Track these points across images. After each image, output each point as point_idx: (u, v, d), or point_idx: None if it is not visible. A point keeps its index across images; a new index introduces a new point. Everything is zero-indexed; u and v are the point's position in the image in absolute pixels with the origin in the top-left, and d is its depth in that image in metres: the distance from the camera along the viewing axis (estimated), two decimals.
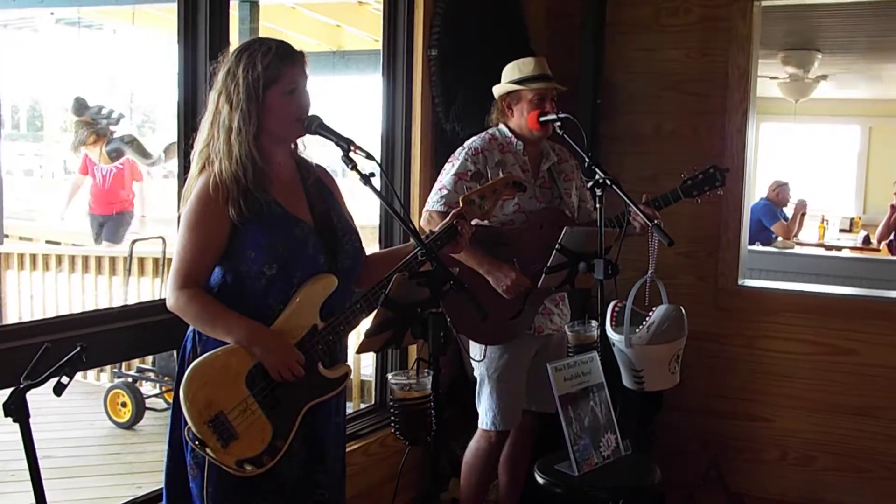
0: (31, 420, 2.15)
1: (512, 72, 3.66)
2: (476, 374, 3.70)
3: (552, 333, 3.69)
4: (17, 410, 2.10)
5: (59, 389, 2.17)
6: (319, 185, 2.67)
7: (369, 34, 7.57)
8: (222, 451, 2.34)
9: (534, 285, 3.48)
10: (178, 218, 2.56)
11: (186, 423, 2.35)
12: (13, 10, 8.04)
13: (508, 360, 3.61)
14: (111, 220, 8.19)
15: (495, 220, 3.58)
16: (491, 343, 3.59)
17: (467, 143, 3.66)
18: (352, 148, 2.51)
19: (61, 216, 8.68)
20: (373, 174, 2.52)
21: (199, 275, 2.48)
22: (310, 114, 2.54)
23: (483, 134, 3.69)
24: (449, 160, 3.67)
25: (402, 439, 2.53)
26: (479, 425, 3.69)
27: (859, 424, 4.42)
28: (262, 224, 2.46)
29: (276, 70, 2.47)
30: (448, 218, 2.65)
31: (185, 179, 2.59)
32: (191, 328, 2.56)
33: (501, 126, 3.69)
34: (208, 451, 2.33)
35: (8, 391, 2.24)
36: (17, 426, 2.16)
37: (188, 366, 2.44)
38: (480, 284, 3.42)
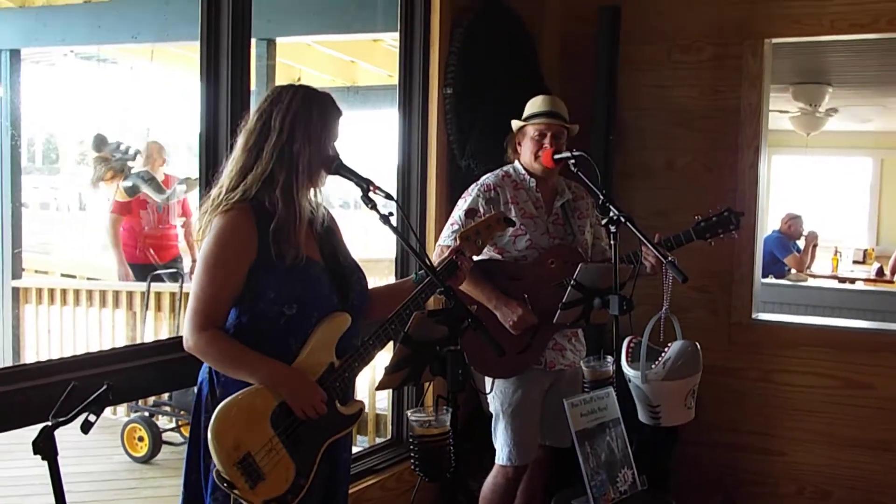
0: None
1: (525, 109, 3.73)
2: (491, 409, 3.72)
3: (564, 368, 3.71)
4: (46, 448, 2.13)
5: (86, 427, 2.20)
6: (324, 224, 2.69)
7: (383, 70, 7.67)
8: (250, 491, 2.35)
9: (544, 321, 3.52)
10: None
11: (214, 466, 2.36)
12: (33, 48, 8.14)
13: (522, 396, 3.63)
14: (167, 269, 7.04)
15: (508, 256, 3.63)
16: (499, 377, 3.63)
17: (481, 180, 3.72)
18: (371, 188, 2.56)
19: (123, 271, 7.14)
20: (391, 213, 2.57)
21: (218, 315, 2.49)
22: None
23: (497, 171, 3.75)
24: (462, 196, 3.72)
25: (423, 476, 2.56)
26: (496, 461, 3.71)
27: (875, 458, 4.41)
28: (283, 265, 2.48)
29: (336, 125, 2.57)
30: (447, 254, 2.72)
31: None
32: (204, 369, 2.57)
33: (516, 163, 3.75)
34: (236, 492, 2.34)
35: (31, 428, 2.28)
36: (36, 461, 2.18)
37: (209, 408, 2.46)
38: (488, 319, 3.46)
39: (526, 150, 3.69)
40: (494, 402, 3.67)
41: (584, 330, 3.81)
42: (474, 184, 3.72)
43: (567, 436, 3.13)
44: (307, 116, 2.50)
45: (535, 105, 3.70)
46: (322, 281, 2.57)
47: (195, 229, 2.58)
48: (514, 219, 3.47)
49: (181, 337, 2.52)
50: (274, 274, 2.47)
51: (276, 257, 2.46)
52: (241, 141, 2.55)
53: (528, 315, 3.51)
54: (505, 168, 3.76)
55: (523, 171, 3.72)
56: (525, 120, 3.68)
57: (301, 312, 2.50)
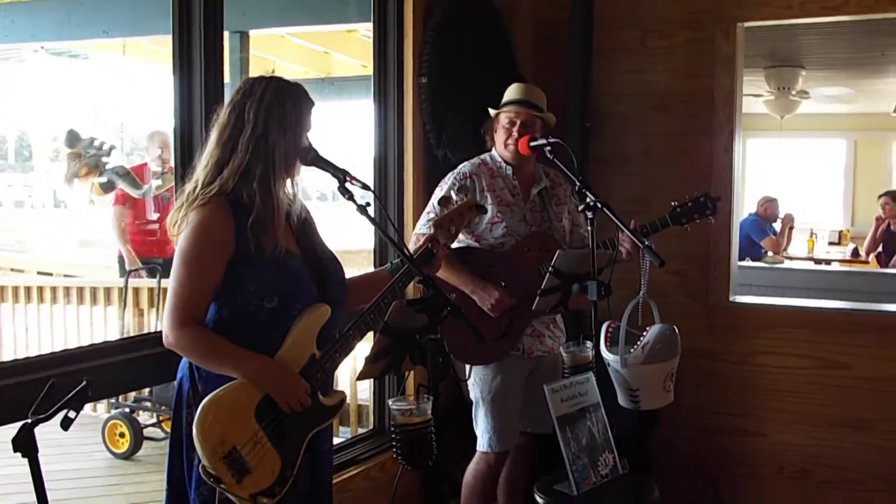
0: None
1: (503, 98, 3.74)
2: (471, 397, 3.74)
3: (543, 355, 3.73)
4: (26, 445, 2.12)
5: (66, 424, 2.19)
6: (299, 216, 2.68)
7: (358, 60, 7.65)
8: (237, 485, 2.34)
9: (521, 307, 3.54)
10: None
11: (199, 461, 2.35)
12: (2, 44, 8.07)
13: (501, 382, 3.65)
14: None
15: (485, 244, 3.65)
16: (475, 363, 3.66)
17: (458, 168, 3.73)
18: (347, 179, 2.56)
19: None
20: (368, 203, 2.58)
21: (198, 311, 2.47)
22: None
23: (475, 159, 3.76)
24: (439, 185, 3.74)
25: (405, 464, 2.57)
26: (478, 448, 3.73)
27: (853, 437, 4.45)
28: (262, 258, 2.47)
29: (309, 116, 2.57)
30: (422, 242, 2.76)
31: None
32: (183, 364, 2.56)
33: (493, 151, 3.76)
34: (223, 486, 2.34)
35: (10, 426, 2.27)
36: (16, 460, 2.17)
37: (190, 403, 2.46)
38: (466, 306, 3.47)
39: (498, 137, 3.71)
40: (474, 390, 3.69)
41: (563, 316, 3.83)
42: (451, 172, 3.74)
43: (548, 422, 3.15)
44: (281, 108, 2.49)
45: (508, 93, 3.73)
46: (301, 273, 2.57)
47: (170, 224, 2.55)
48: (487, 206, 3.54)
49: (160, 332, 2.51)
50: (253, 267, 2.47)
51: (255, 250, 2.45)
52: (214, 135, 2.53)
53: (505, 297, 3.53)
54: (483, 156, 3.78)
55: (500, 159, 3.73)
56: (499, 108, 3.70)
57: (281, 305, 2.50)
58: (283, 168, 2.51)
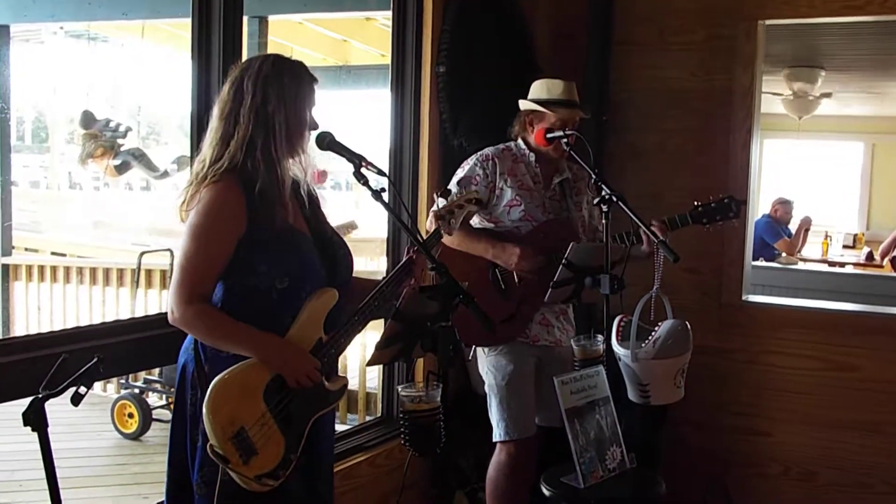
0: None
1: (539, 90, 3.69)
2: (486, 387, 3.73)
3: (550, 345, 3.72)
4: (37, 420, 2.13)
5: (76, 400, 2.20)
6: (309, 198, 2.67)
7: (376, 49, 7.65)
8: (244, 466, 2.34)
9: (532, 293, 3.54)
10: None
11: (205, 441, 2.35)
12: (22, 24, 8.08)
13: (514, 368, 3.64)
14: None
15: (502, 226, 3.66)
16: (479, 344, 3.67)
17: (482, 150, 3.73)
18: (363, 164, 2.56)
19: None
20: (383, 189, 2.57)
21: (206, 288, 2.46)
22: (323, 130, 2.59)
23: (500, 144, 3.75)
24: (461, 165, 3.75)
25: (413, 451, 2.57)
26: (495, 439, 3.70)
27: (862, 440, 4.43)
28: (274, 238, 2.46)
29: (310, 92, 2.55)
30: (429, 236, 2.81)
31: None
32: (188, 346, 2.55)
33: (520, 140, 3.74)
34: (230, 466, 2.33)
35: (23, 401, 2.28)
36: (25, 436, 2.19)
37: (195, 385, 2.46)
38: (476, 293, 3.45)
39: (540, 134, 3.66)
40: (488, 378, 3.68)
41: (574, 308, 3.82)
42: (475, 153, 3.73)
43: (557, 415, 3.14)
44: (279, 80, 2.49)
45: (556, 89, 3.65)
46: (312, 256, 2.57)
47: (180, 203, 2.54)
48: (507, 189, 3.60)
49: None
50: (265, 247, 2.46)
51: (264, 222, 2.44)
52: (216, 111, 2.53)
53: (527, 252, 3.52)
54: (508, 143, 3.76)
55: (524, 147, 3.72)
56: (546, 104, 3.64)
57: (292, 287, 2.49)
58: (285, 138, 2.48)
